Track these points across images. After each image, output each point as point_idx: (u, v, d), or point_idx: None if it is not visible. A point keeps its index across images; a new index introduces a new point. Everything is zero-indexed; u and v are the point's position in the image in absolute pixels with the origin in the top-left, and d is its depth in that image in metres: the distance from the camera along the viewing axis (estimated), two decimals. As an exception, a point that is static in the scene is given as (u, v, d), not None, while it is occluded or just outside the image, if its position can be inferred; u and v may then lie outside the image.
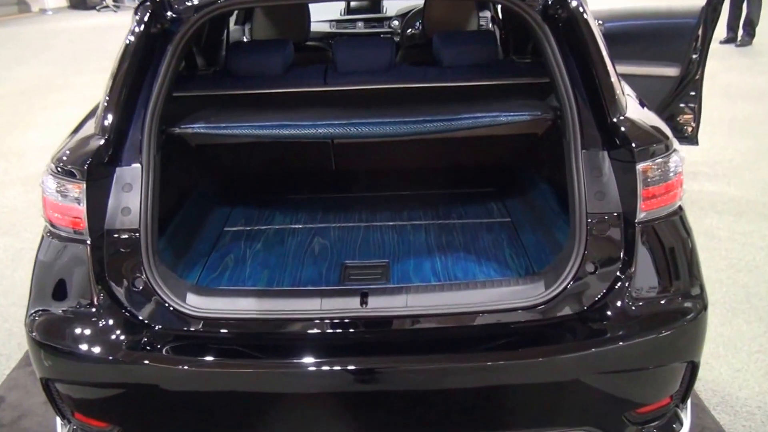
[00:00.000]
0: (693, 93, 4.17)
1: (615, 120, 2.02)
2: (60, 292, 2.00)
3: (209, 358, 1.90)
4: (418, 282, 2.30)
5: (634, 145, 1.94)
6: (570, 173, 2.05)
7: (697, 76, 4.13)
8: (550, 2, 2.05)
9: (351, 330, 1.94)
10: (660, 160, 1.97)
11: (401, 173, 3.34)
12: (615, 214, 1.99)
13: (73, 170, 1.98)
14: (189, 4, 2.12)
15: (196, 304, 1.99)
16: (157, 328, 1.94)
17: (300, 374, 1.88)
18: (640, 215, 1.97)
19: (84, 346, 1.91)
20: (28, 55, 11.98)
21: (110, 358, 1.89)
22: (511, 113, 2.26)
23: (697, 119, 4.25)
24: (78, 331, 1.93)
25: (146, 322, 1.95)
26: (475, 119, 2.27)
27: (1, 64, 11.13)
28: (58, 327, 1.96)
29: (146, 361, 1.88)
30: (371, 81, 2.59)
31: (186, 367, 1.88)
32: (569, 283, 1.95)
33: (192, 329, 1.95)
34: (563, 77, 2.07)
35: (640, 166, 1.95)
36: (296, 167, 3.34)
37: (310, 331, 1.94)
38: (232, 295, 2.08)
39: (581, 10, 2.05)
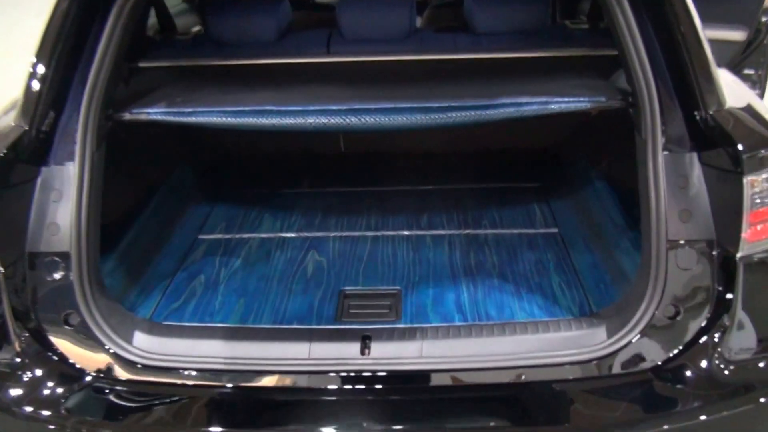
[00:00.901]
0: (762, 60, 3.66)
1: (711, 112, 1.58)
2: None
3: (154, 423, 1.55)
4: (438, 322, 1.84)
5: (741, 148, 1.48)
6: (645, 182, 1.62)
7: (766, 41, 3.60)
8: None
9: (346, 387, 1.58)
10: None
11: (421, 159, 2.84)
12: (707, 241, 1.57)
13: None
14: None
15: (145, 347, 1.63)
16: (93, 379, 1.59)
17: None
18: (744, 246, 1.52)
19: (3, 403, 1.57)
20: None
21: (34, 416, 1.55)
22: (566, 98, 1.78)
23: (763, 87, 3.76)
24: None
25: (82, 370, 1.60)
26: (518, 107, 1.76)
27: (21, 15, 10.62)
28: None
29: (76, 422, 1.56)
30: (385, 51, 2.15)
31: None
32: (640, 331, 1.56)
33: (138, 380, 1.59)
34: (638, 50, 1.63)
35: (748, 179, 1.48)
36: (297, 148, 2.82)
37: (291, 386, 1.59)
38: (193, 335, 1.70)
39: None
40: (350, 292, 1.99)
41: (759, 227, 1.50)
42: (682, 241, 1.56)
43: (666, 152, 1.59)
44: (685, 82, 1.59)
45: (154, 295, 2.00)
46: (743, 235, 1.50)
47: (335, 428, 1.51)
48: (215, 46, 2.24)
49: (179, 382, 1.57)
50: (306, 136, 2.75)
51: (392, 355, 1.58)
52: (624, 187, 2.10)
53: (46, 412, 1.55)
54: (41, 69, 1.62)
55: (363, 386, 1.56)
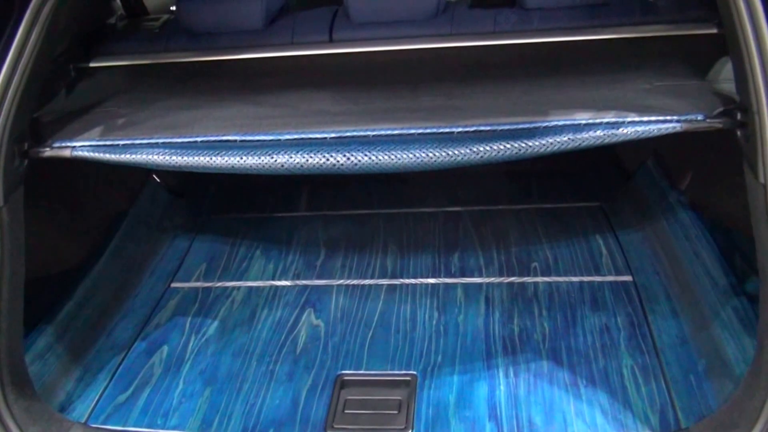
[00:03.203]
0: None
1: None
2: None
3: None
4: None
5: None
6: (765, 250, 1.12)
7: None
8: None
9: None
10: None
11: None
12: None
13: None
14: None
15: None
16: None
17: None
18: None
19: None
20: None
21: None
22: (644, 117, 1.24)
23: None
24: None
25: None
26: (575, 132, 1.23)
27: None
28: None
29: None
30: (404, 36, 1.74)
31: None
32: None
33: None
34: (761, 33, 1.07)
35: None
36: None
37: None
38: None
39: None
40: (349, 378, 1.51)
41: None
42: None
43: None
44: None
45: (100, 380, 1.56)
46: None
47: None
48: (187, 36, 1.81)
49: None
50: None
51: None
52: (724, 224, 1.55)
53: None
54: None
55: None
